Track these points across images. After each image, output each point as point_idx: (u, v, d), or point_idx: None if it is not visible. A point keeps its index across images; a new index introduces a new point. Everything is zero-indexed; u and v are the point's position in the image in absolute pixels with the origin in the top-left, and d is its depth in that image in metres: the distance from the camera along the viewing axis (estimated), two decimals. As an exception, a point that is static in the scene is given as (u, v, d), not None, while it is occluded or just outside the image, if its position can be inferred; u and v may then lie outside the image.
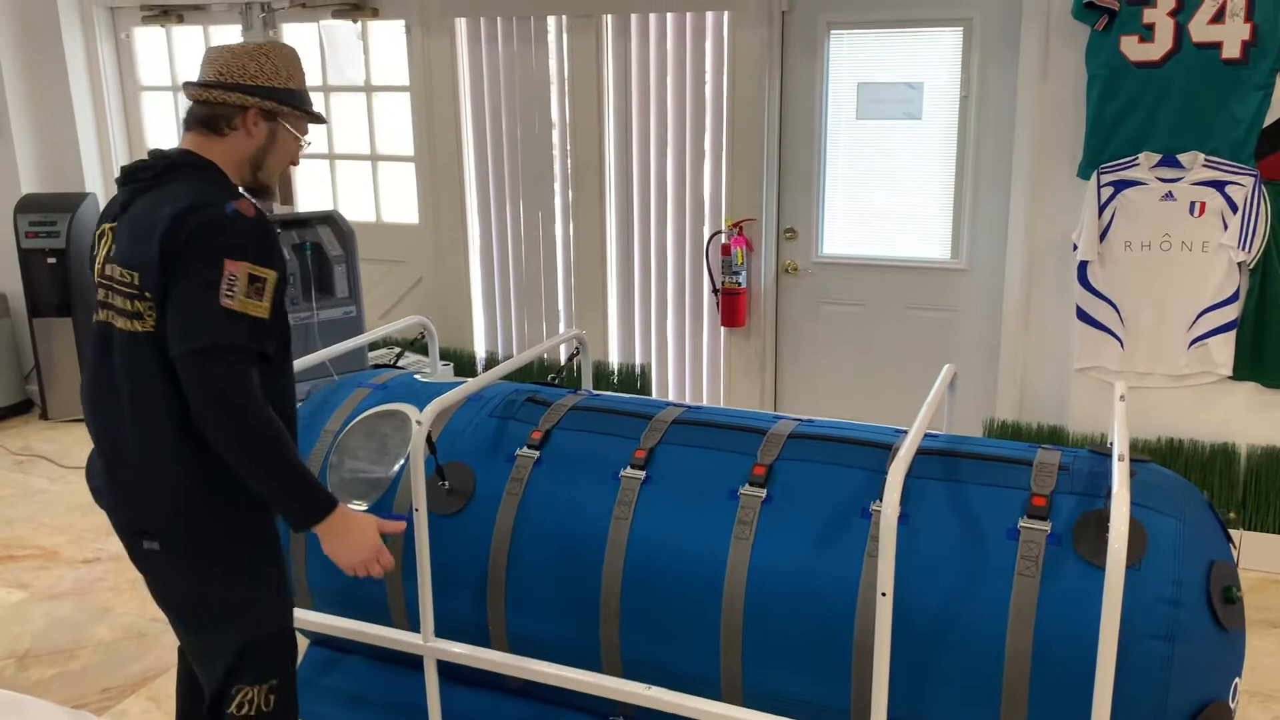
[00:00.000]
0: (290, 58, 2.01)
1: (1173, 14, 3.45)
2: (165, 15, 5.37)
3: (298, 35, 5.12)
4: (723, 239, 4.44)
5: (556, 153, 4.72)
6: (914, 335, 4.38)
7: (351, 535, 1.97)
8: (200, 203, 1.82)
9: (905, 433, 2.61)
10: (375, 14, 4.92)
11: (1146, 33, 3.49)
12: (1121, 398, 2.54)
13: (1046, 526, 2.22)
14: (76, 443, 5.15)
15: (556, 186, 4.75)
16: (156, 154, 1.97)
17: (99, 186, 5.61)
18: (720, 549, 2.39)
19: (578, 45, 4.54)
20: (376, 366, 3.39)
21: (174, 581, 2.03)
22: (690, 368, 4.73)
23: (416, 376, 3.14)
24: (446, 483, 2.65)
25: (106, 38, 5.54)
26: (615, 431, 2.68)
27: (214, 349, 1.78)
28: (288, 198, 5.31)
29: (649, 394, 4.78)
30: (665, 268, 4.66)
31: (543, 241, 4.85)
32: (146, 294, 1.85)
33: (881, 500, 2.35)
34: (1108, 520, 2.17)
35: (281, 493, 1.89)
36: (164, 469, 1.91)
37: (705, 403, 4.70)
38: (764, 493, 2.43)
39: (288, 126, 2.00)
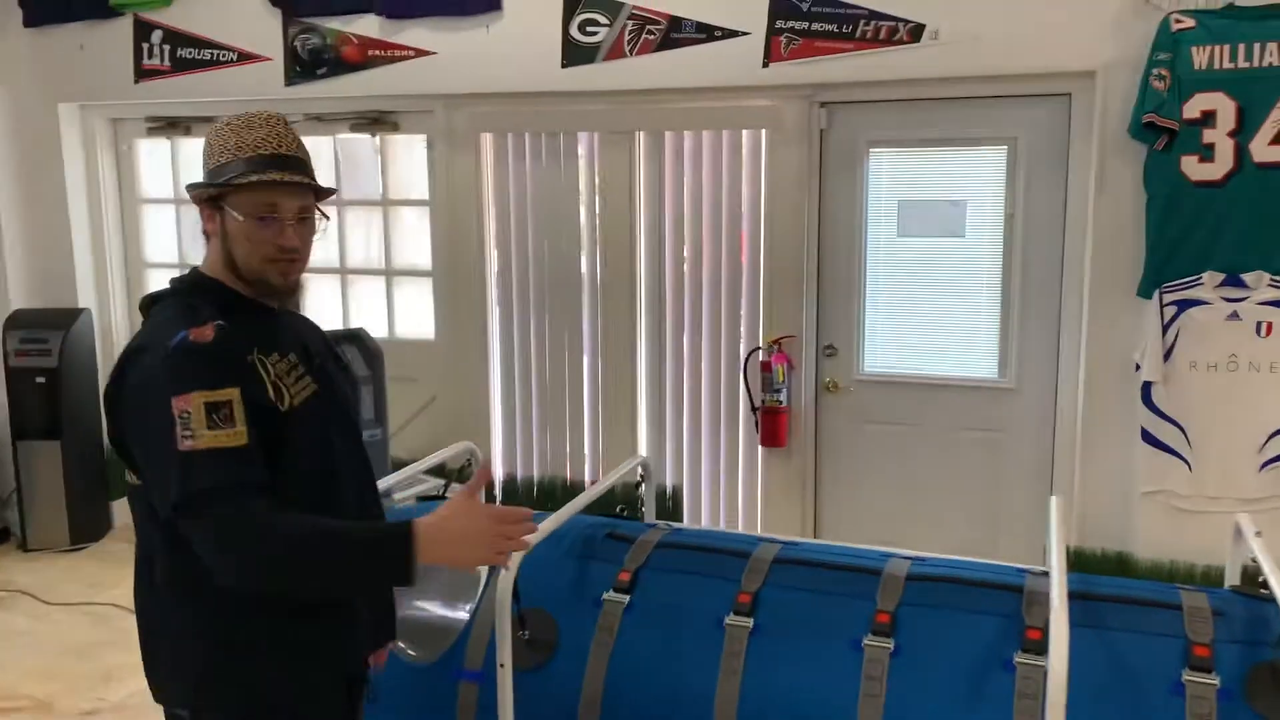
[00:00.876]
0: (227, 129, 1.76)
1: (1233, 134, 3.43)
2: (171, 127, 5.22)
3: (312, 148, 4.97)
4: (761, 355, 4.30)
5: (585, 269, 4.59)
6: (961, 456, 4.23)
7: (455, 541, 1.61)
8: (141, 346, 1.68)
9: (1029, 572, 2.43)
10: (395, 128, 4.82)
11: (1207, 152, 3.46)
12: (1258, 533, 2.39)
13: (1215, 680, 2.04)
14: (61, 576, 4.79)
15: (584, 302, 4.61)
16: (175, 279, 1.89)
17: (93, 302, 5.36)
18: (847, 708, 2.17)
19: (610, 161, 4.45)
20: (425, 499, 3.16)
21: None
22: (725, 489, 4.53)
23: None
24: (527, 632, 2.41)
25: (107, 149, 5.37)
26: (711, 572, 2.47)
27: (188, 502, 1.56)
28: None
29: (680, 516, 4.57)
30: (699, 385, 4.50)
31: (569, 358, 4.68)
32: (113, 445, 1.75)
33: (1023, 651, 2.16)
34: (1285, 674, 2.00)
35: (356, 580, 1.65)
36: (176, 638, 1.73)
37: (741, 525, 4.49)
38: (891, 643, 2.22)
39: (229, 209, 1.73)
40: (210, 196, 1.75)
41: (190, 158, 5.27)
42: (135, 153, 5.39)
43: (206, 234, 1.80)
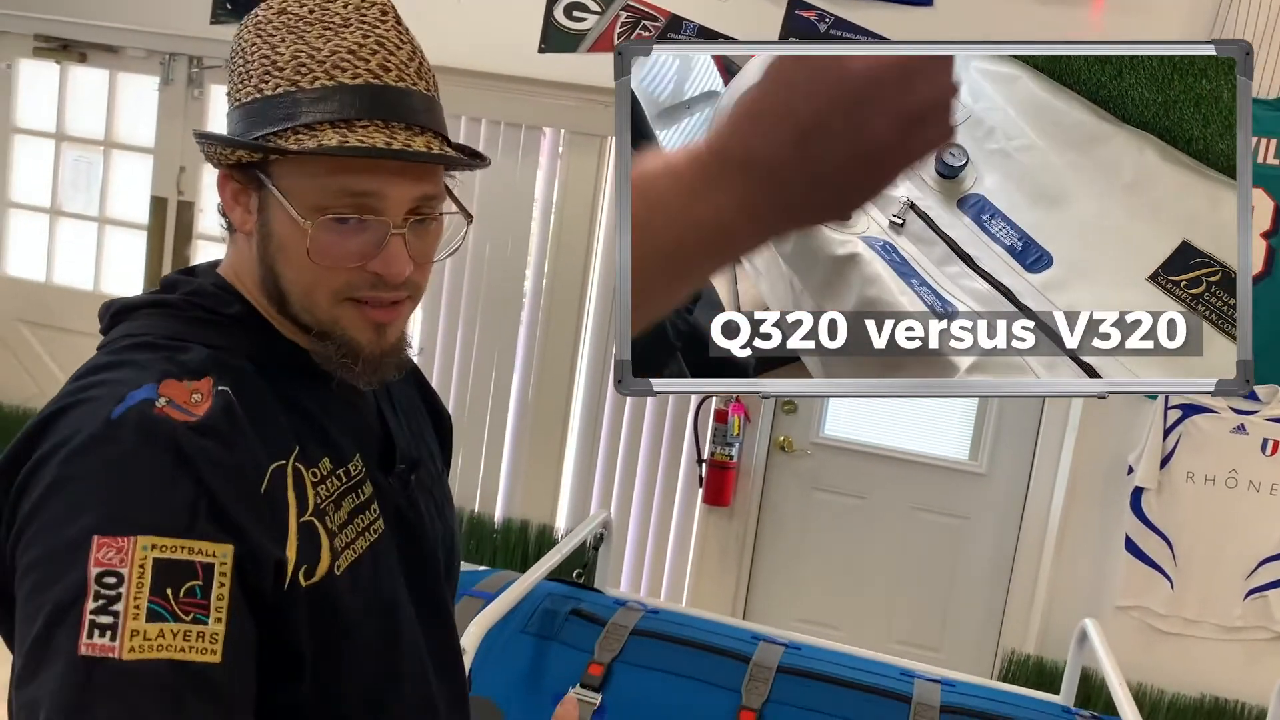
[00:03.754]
0: (280, 23, 0.93)
1: (1266, 235, 3.19)
2: (64, 51, 4.49)
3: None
4: (716, 403, 3.87)
5: (529, 283, 4.09)
6: (915, 540, 3.88)
7: None
8: (61, 406, 0.87)
9: (1077, 714, 2.05)
10: (332, 91, 4.23)
11: (1237, 251, 3.21)
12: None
13: None
14: None
15: (524, 319, 4.10)
16: (168, 279, 1.02)
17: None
18: None
19: (574, 165, 3.98)
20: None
21: None
22: (654, 544, 4.07)
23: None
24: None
25: (-18, 64, 4.61)
26: (704, 677, 2.01)
27: None
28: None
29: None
30: (640, 427, 4.04)
31: (495, 379, 4.15)
32: None
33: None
34: None
35: None
36: None
37: (665, 588, 4.04)
38: (932, 796, 1.80)
39: (276, 193, 0.91)
40: (241, 162, 0.93)
41: (83, 92, 4.55)
42: (16, 74, 4.62)
43: (228, 221, 0.98)
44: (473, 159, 1.00)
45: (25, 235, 4.64)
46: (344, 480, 0.96)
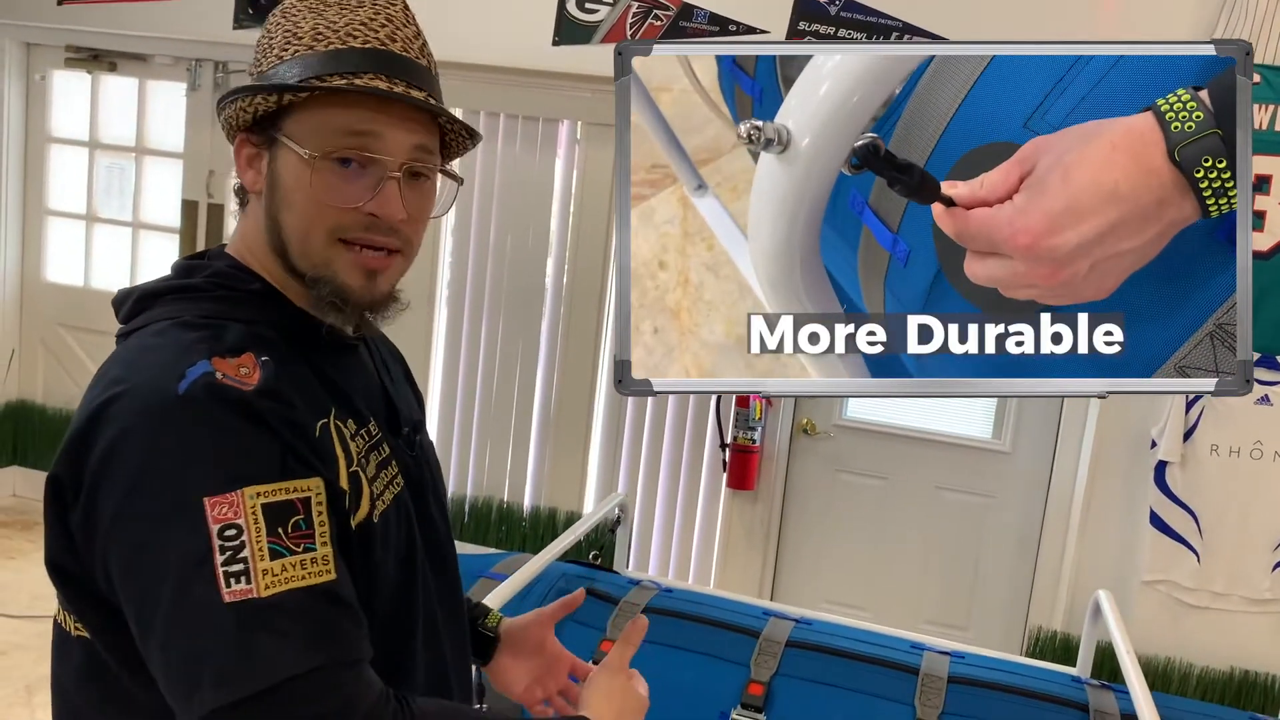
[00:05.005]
0: (302, 5, 1.03)
1: (1287, 204, 3.16)
2: (95, 60, 4.61)
3: (255, 103, 4.44)
4: (738, 389, 3.90)
5: (550, 274, 4.14)
6: (940, 519, 3.89)
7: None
8: (117, 393, 0.92)
9: (1086, 684, 2.07)
10: (353, 91, 4.31)
11: (1257, 221, 3.18)
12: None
13: None
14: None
15: (546, 310, 4.16)
16: (182, 265, 1.08)
17: (-21, 250, 4.71)
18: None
19: (591, 155, 4.02)
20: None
21: None
22: (680, 530, 4.11)
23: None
24: (484, 705, 1.96)
25: (17, 77, 4.74)
26: (713, 652, 2.05)
27: (245, 706, 0.85)
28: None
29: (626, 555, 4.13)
30: (664, 414, 4.08)
31: (520, 370, 4.21)
32: (52, 573, 0.99)
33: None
34: None
35: None
36: None
37: (693, 573, 4.08)
38: (938, 763, 1.83)
39: (286, 141, 0.99)
40: (257, 117, 1.00)
41: (115, 100, 4.66)
42: (50, 85, 4.76)
43: (242, 192, 1.06)
44: (469, 135, 1.08)
45: (63, 241, 4.78)
46: (368, 439, 1.04)
